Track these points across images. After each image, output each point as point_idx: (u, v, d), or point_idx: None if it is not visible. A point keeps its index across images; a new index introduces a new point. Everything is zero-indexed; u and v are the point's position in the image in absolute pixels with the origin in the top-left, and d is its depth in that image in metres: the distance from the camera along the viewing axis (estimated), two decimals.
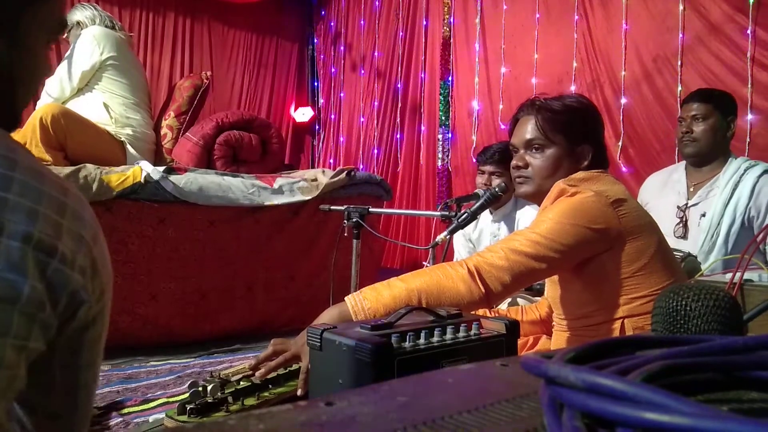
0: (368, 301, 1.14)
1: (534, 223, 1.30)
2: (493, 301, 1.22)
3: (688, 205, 2.24)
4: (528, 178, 1.41)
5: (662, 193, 2.36)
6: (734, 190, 2.11)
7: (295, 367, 1.35)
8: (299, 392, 1.13)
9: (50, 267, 0.57)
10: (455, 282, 1.17)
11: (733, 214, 2.09)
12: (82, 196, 0.65)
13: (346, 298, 1.17)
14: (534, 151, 1.40)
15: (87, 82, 3.14)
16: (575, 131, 1.38)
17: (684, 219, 2.24)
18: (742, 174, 2.12)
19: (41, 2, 0.68)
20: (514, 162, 1.44)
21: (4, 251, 0.54)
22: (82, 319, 0.62)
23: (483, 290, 1.18)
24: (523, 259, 1.22)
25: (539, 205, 1.41)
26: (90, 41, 3.10)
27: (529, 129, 1.41)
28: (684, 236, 2.21)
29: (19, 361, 0.56)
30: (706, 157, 2.23)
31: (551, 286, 1.43)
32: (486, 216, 2.64)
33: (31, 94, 0.73)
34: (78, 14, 3.26)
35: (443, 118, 4.70)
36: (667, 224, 2.22)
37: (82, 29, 3.20)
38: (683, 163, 2.37)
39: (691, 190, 2.27)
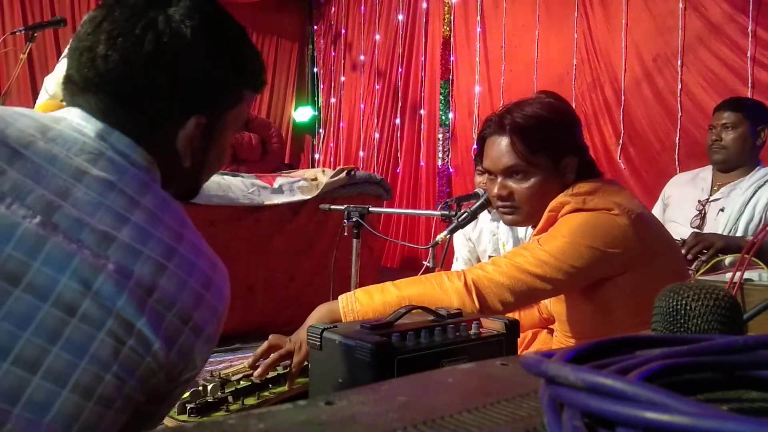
0: (359, 303, 1.14)
1: (545, 237, 1.20)
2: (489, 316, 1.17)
3: (709, 200, 2.30)
4: (516, 208, 1.29)
5: (686, 188, 2.43)
6: (756, 192, 2.17)
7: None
8: (287, 386, 1.14)
9: (183, 335, 0.65)
10: (449, 294, 1.13)
11: (752, 212, 2.15)
12: (226, 272, 0.73)
13: (339, 297, 1.16)
14: (516, 177, 1.27)
15: None
16: (556, 147, 1.25)
17: (703, 212, 2.29)
18: (767, 180, 2.19)
19: (234, 107, 0.80)
20: (496, 191, 1.29)
21: (148, 311, 0.62)
22: (183, 380, 0.69)
23: (477, 305, 1.12)
24: (527, 277, 1.14)
25: (534, 227, 1.31)
26: None
27: (505, 153, 1.26)
28: (700, 227, 2.27)
29: (126, 408, 0.63)
30: (734, 164, 2.28)
31: (556, 302, 1.35)
32: (485, 215, 2.64)
33: (213, 173, 0.86)
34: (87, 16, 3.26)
35: (443, 117, 4.70)
36: (685, 214, 2.31)
37: None
38: (710, 166, 2.41)
39: (714, 188, 2.33)
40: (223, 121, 0.79)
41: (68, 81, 0.73)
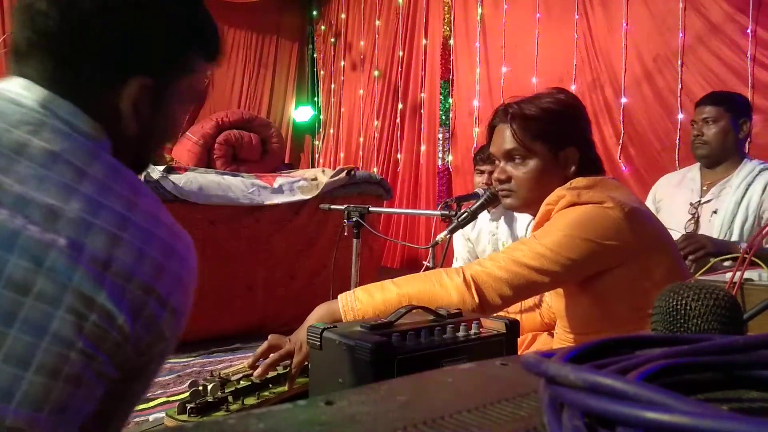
0: (359, 302, 1.14)
1: (542, 231, 1.23)
2: (489, 312, 1.15)
3: (701, 202, 2.25)
4: (512, 191, 1.35)
5: (677, 190, 2.38)
6: (747, 189, 2.13)
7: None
8: (286, 387, 1.14)
9: (147, 306, 0.63)
10: (448, 291, 1.14)
11: (745, 212, 2.11)
12: (191, 241, 0.71)
13: (339, 296, 1.17)
14: (515, 162, 1.33)
15: None
16: (556, 136, 1.29)
17: (696, 215, 2.24)
18: (756, 175, 2.14)
19: (185, 75, 0.77)
20: (495, 174, 1.37)
21: (108, 285, 0.60)
22: (154, 354, 0.66)
23: (477, 301, 1.13)
24: (525, 271, 1.16)
25: (533, 215, 1.35)
26: None
27: (506, 139, 1.32)
28: (694, 232, 2.21)
29: (97, 384, 0.61)
30: (718, 159, 2.24)
31: (555, 297, 1.38)
32: (484, 215, 2.64)
33: (163, 146, 0.84)
34: None
35: (443, 117, 4.70)
36: (679, 219, 2.26)
37: None
38: (698, 164, 2.38)
39: (704, 188, 2.28)
40: (172, 88, 0.75)
41: (12, 50, 0.69)
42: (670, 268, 1.25)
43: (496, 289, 1.16)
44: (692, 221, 2.24)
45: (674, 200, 2.33)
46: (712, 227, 2.18)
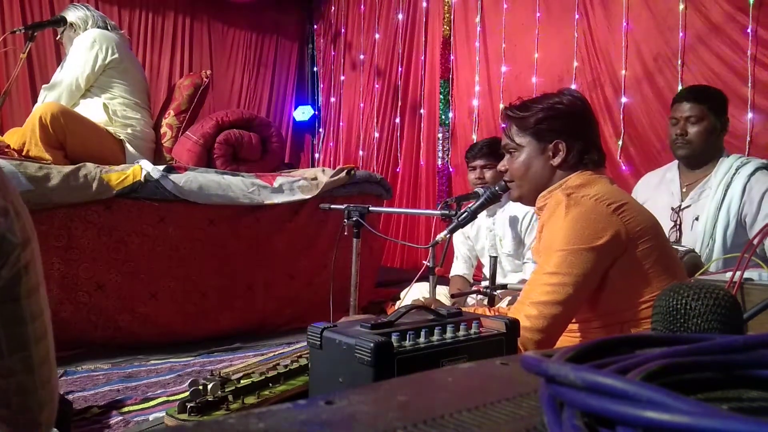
0: None
1: (543, 257, 1.28)
2: None
3: (681, 207, 2.20)
4: (510, 181, 1.50)
5: (656, 193, 2.32)
6: (726, 191, 2.07)
7: (295, 365, 1.35)
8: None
9: None
10: None
11: (726, 216, 2.05)
12: None
13: None
14: (511, 155, 1.47)
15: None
16: (543, 130, 1.41)
17: (678, 222, 2.19)
18: (734, 174, 2.08)
19: None
20: (498, 167, 1.55)
21: None
22: (13, 265, 0.63)
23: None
24: (546, 309, 1.21)
25: (531, 205, 1.47)
26: (91, 45, 3.10)
27: (503, 136, 1.49)
28: (678, 240, 2.16)
29: None
30: (700, 159, 2.19)
31: None
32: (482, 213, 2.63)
33: None
34: (71, 15, 3.24)
35: (443, 117, 4.69)
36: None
37: (75, 31, 3.19)
38: (676, 162, 2.32)
39: (684, 190, 2.23)
40: None
41: None
42: (660, 256, 1.30)
43: (530, 339, 1.19)
44: (675, 229, 2.18)
45: (655, 204, 2.24)
46: (694, 234, 2.12)
